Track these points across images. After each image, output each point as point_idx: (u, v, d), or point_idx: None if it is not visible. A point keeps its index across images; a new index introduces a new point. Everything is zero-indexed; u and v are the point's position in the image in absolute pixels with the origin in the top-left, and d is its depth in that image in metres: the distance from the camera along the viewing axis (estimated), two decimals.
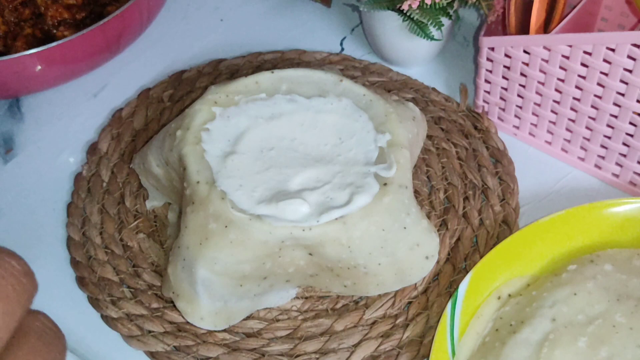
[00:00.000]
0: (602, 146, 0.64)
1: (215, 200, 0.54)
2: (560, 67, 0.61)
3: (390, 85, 0.75)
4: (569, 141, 0.67)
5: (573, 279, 0.56)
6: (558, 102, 0.64)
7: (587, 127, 0.64)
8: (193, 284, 0.55)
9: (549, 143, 0.68)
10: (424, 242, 0.58)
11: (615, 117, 0.61)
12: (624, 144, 0.63)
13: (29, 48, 0.69)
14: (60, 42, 0.67)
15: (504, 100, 0.68)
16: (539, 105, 0.66)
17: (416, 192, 0.66)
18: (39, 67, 0.68)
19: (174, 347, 0.58)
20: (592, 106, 0.62)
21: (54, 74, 0.71)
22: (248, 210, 0.54)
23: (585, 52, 0.59)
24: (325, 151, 0.59)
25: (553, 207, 0.64)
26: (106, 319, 0.59)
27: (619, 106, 0.60)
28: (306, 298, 0.60)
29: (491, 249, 0.58)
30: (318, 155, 0.59)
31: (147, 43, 0.80)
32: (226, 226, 0.54)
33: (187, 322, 0.58)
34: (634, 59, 0.57)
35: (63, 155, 0.72)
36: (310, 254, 0.55)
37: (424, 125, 0.66)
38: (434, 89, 0.74)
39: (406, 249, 0.57)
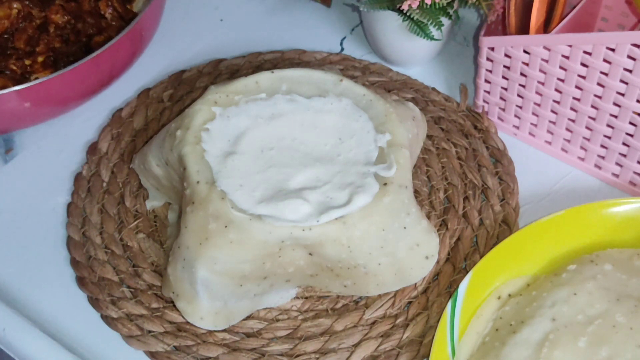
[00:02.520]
0: (602, 146, 0.64)
1: (215, 200, 0.54)
2: (560, 67, 0.61)
3: (390, 85, 0.75)
4: (569, 141, 0.67)
5: (573, 279, 0.56)
6: (558, 102, 0.64)
7: (587, 127, 0.64)
8: (193, 284, 0.55)
9: (549, 143, 0.68)
10: (423, 242, 0.58)
11: (615, 117, 0.61)
12: (624, 144, 0.63)
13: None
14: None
15: (504, 100, 0.68)
16: (539, 105, 0.66)
17: (416, 192, 0.66)
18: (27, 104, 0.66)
19: (174, 347, 0.58)
20: (592, 106, 0.62)
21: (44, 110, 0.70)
22: (248, 210, 0.54)
23: (585, 52, 0.59)
24: (325, 151, 0.59)
25: (553, 207, 0.64)
26: (106, 319, 0.59)
27: (619, 106, 0.60)
28: (306, 298, 0.60)
29: (491, 249, 0.58)
30: (318, 155, 0.59)
31: None
32: (226, 226, 0.54)
33: (187, 322, 0.58)
34: (634, 59, 0.57)
35: (63, 155, 0.72)
36: (310, 254, 0.55)
37: (424, 125, 0.66)
38: (434, 89, 0.74)
39: (406, 248, 0.57)
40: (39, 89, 0.65)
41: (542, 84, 0.63)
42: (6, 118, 0.68)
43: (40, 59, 0.72)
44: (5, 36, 0.72)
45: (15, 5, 0.72)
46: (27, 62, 0.71)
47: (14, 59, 0.71)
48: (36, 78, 0.70)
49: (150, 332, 0.58)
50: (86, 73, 0.67)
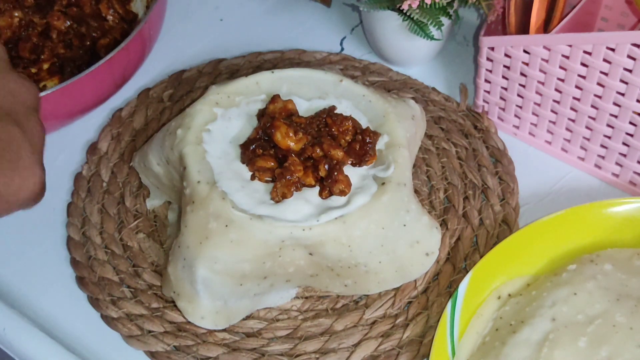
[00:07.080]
0: (602, 146, 0.64)
1: (215, 199, 0.54)
2: (560, 67, 0.61)
3: (390, 85, 0.75)
4: (569, 141, 0.67)
5: (573, 279, 0.56)
6: (558, 102, 0.64)
7: (587, 127, 0.64)
8: (193, 283, 0.55)
9: (549, 143, 0.68)
10: (424, 239, 0.58)
11: (615, 117, 0.61)
12: (624, 143, 0.63)
13: None
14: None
15: (504, 100, 0.68)
16: (539, 105, 0.66)
17: (416, 192, 0.66)
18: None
19: (174, 346, 0.58)
20: (592, 106, 0.62)
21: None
22: (249, 210, 0.54)
23: (585, 52, 0.59)
24: None
25: (553, 207, 0.64)
26: (106, 319, 0.59)
27: (619, 106, 0.60)
28: (306, 298, 0.60)
29: (491, 248, 0.58)
30: None
31: None
32: (226, 225, 0.54)
33: (187, 322, 0.58)
34: (634, 59, 0.57)
35: (63, 155, 0.72)
36: (310, 254, 0.55)
37: (424, 123, 0.66)
38: (433, 88, 0.74)
39: (406, 246, 0.57)
40: (56, 96, 0.63)
41: (542, 83, 0.63)
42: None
43: (45, 66, 0.72)
44: (9, 46, 0.72)
45: (16, 14, 0.72)
46: (33, 70, 0.71)
47: (21, 68, 0.71)
48: (44, 86, 0.70)
49: (150, 332, 0.58)
50: (102, 76, 0.66)
